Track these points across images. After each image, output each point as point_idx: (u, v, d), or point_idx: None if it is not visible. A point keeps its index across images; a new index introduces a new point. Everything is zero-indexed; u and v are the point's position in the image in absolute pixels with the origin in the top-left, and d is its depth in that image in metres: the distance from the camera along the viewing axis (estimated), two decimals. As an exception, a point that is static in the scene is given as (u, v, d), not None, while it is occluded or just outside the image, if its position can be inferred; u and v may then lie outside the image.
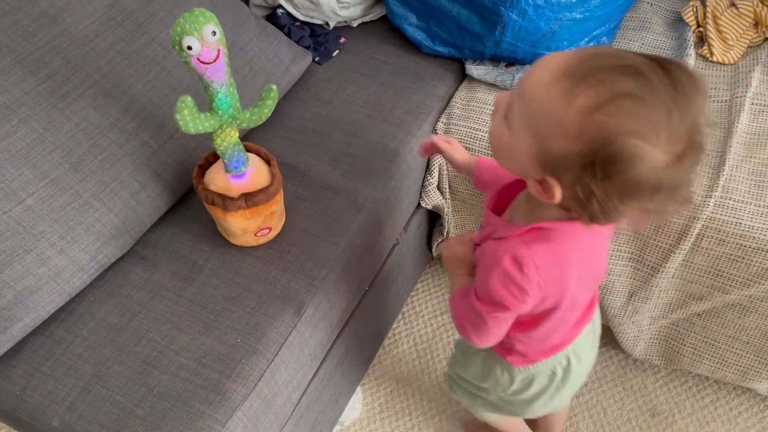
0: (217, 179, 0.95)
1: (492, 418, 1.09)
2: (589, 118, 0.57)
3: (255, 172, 0.96)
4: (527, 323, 0.80)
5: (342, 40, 1.36)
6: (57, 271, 0.92)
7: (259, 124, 0.91)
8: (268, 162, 0.99)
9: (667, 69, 0.57)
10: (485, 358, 0.93)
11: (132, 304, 0.96)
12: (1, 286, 0.87)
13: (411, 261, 1.37)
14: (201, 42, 0.77)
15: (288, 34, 1.31)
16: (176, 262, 1.01)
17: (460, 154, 0.97)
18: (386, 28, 1.38)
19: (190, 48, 0.77)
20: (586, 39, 1.21)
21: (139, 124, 1.01)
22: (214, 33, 0.78)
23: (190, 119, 0.82)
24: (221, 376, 0.88)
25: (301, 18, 1.33)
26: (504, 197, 0.81)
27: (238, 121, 0.88)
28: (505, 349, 0.87)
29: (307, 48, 1.32)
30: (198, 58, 0.78)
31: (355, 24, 1.39)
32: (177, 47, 0.77)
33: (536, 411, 0.97)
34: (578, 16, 1.14)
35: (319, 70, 1.32)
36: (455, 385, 1.08)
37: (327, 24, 1.36)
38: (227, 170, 0.94)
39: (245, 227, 0.97)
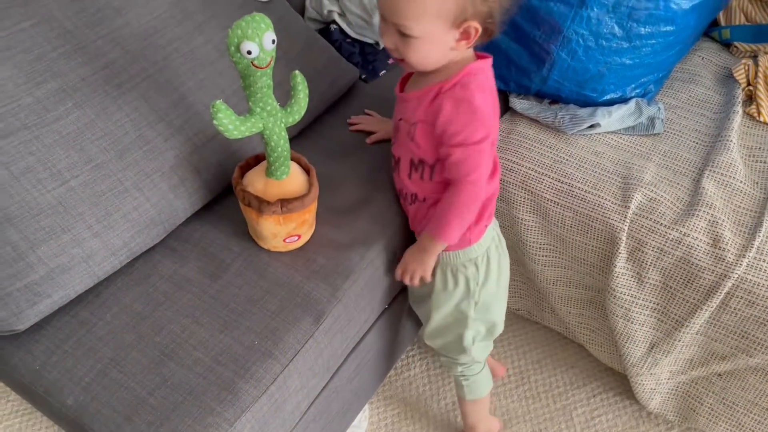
0: (255, 182, 0.97)
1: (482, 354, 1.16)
2: None
3: (293, 180, 0.97)
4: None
5: (390, 60, 1.38)
6: (90, 253, 0.94)
7: (302, 114, 0.93)
8: (307, 171, 1.01)
9: None
10: (442, 283, 1.05)
11: (157, 294, 0.98)
12: (35, 261, 0.90)
13: (433, 285, 1.37)
14: (260, 48, 0.79)
15: (338, 49, 1.33)
16: (204, 258, 1.03)
17: (386, 132, 1.18)
18: (435, 53, 1.40)
19: (249, 53, 0.79)
20: (633, 85, 1.21)
21: (186, 121, 1.04)
22: (273, 42, 0.80)
23: (228, 122, 0.84)
24: (235, 375, 0.89)
25: (353, 35, 1.36)
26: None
27: (279, 120, 0.90)
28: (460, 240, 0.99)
29: (355, 65, 1.34)
30: (253, 62, 0.81)
31: (405, 46, 1.41)
32: (233, 48, 0.80)
33: (502, 301, 1.12)
34: (628, 61, 1.15)
35: (364, 88, 1.34)
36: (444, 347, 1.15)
37: (377, 43, 1.38)
38: (268, 174, 0.96)
39: (276, 232, 0.99)
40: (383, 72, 1.36)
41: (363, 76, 1.35)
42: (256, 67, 0.81)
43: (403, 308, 1.26)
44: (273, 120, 0.89)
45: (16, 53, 0.93)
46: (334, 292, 0.99)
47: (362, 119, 1.24)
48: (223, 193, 1.11)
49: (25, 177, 0.90)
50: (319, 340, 0.97)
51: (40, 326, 0.94)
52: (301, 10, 1.41)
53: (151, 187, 0.99)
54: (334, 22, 1.35)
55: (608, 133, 1.21)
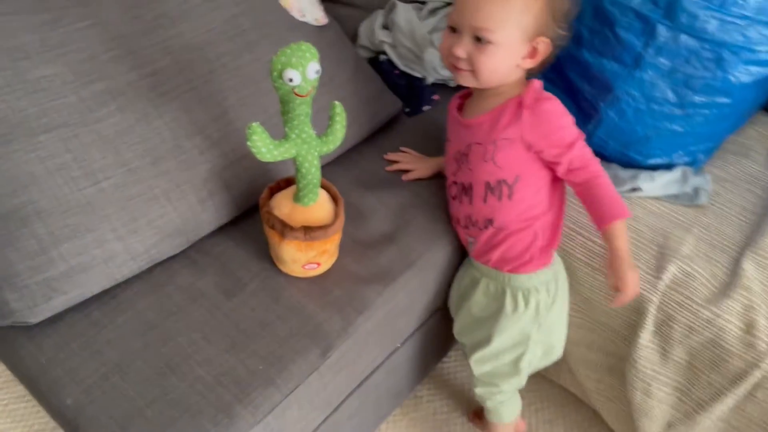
0: (282, 205, 0.96)
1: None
2: None
3: (320, 208, 0.96)
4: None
5: (435, 97, 1.37)
6: (111, 256, 0.94)
7: (337, 145, 0.92)
8: (335, 200, 1.00)
9: None
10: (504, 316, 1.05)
11: (170, 305, 0.98)
12: (56, 257, 0.91)
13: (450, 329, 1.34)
14: (302, 77, 0.79)
15: (385, 80, 1.33)
16: (222, 274, 1.02)
17: (424, 170, 1.19)
18: (481, 94, 1.39)
19: (291, 80, 0.79)
20: (681, 152, 1.17)
21: (224, 136, 1.04)
22: (317, 72, 0.80)
23: (262, 144, 0.84)
24: (234, 399, 0.88)
25: (402, 67, 1.36)
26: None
27: (313, 149, 0.89)
28: (528, 259, 1.02)
29: (400, 97, 1.34)
30: (294, 90, 0.80)
31: (452, 84, 1.40)
32: (275, 73, 0.80)
33: (564, 325, 1.13)
34: (678, 128, 1.11)
35: (406, 121, 1.34)
36: (488, 373, 1.14)
37: (425, 78, 1.38)
38: (296, 199, 0.95)
39: (296, 258, 0.98)
40: (427, 107, 1.35)
41: (406, 110, 1.34)
42: (297, 95, 0.81)
43: (415, 348, 1.23)
44: (307, 147, 0.89)
45: (69, 51, 0.95)
46: (346, 326, 0.98)
47: (399, 157, 1.23)
48: (250, 210, 1.11)
49: (59, 173, 0.91)
50: (323, 373, 0.95)
51: (52, 321, 0.94)
52: (354, 37, 1.41)
53: (179, 197, 1.00)
54: (384, 52, 1.35)
55: (649, 198, 1.18)
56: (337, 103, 0.92)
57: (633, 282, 0.96)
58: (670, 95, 1.07)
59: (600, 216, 0.97)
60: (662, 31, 1.02)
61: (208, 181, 1.02)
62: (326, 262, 1.02)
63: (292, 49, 0.79)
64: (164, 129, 0.99)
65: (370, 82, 1.27)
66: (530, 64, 0.96)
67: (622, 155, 1.17)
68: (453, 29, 0.95)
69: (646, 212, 1.16)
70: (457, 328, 1.17)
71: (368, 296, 1.01)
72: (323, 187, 1.00)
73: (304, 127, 0.87)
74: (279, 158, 0.87)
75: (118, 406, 0.87)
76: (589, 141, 1.15)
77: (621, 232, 0.96)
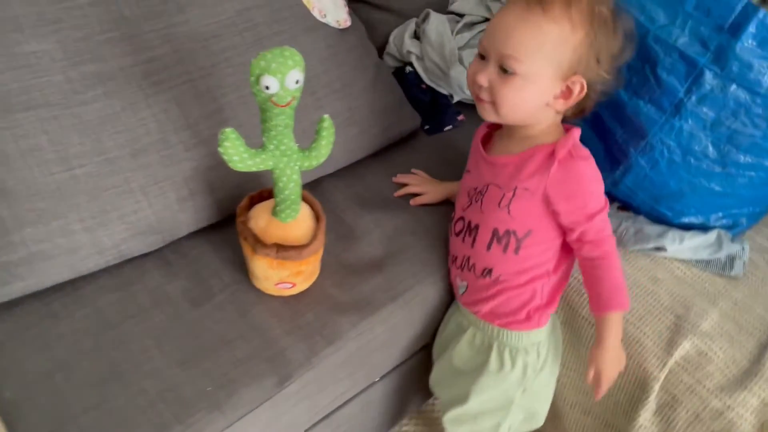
0: (260, 217, 0.90)
1: None
2: (569, 12, 0.78)
3: (298, 226, 0.89)
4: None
5: (461, 117, 1.27)
6: (75, 247, 0.90)
7: (320, 162, 0.85)
8: (318, 218, 0.92)
9: None
10: (496, 372, 0.94)
11: (133, 306, 0.92)
12: (18, 241, 0.87)
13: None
14: (281, 86, 0.72)
15: (408, 93, 1.24)
16: (193, 280, 0.96)
17: (435, 194, 1.10)
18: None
19: (268, 88, 0.72)
20: (720, 214, 1.04)
21: (215, 134, 0.97)
22: (297, 82, 0.72)
23: (234, 152, 0.77)
24: (174, 419, 0.81)
25: (428, 82, 1.27)
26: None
27: (294, 162, 0.82)
28: (524, 317, 0.92)
29: (422, 113, 1.25)
30: (272, 98, 0.73)
31: (481, 105, 1.30)
32: (253, 78, 0.73)
33: (550, 392, 1.03)
34: (717, 188, 0.98)
35: (424, 139, 1.25)
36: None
37: (451, 96, 1.28)
38: (274, 213, 0.88)
39: (268, 275, 0.91)
40: (449, 127, 1.26)
41: (426, 127, 1.25)
42: (274, 104, 0.74)
43: (396, 384, 1.14)
44: (286, 161, 0.82)
45: (63, 28, 0.91)
46: (310, 356, 0.90)
47: (409, 179, 1.13)
48: (232, 216, 1.04)
49: (32, 154, 0.87)
50: (278, 404, 0.88)
51: (9, 306, 0.90)
52: (384, 45, 1.33)
53: (157, 193, 0.94)
54: (411, 64, 1.26)
55: (676, 259, 1.05)
56: (326, 116, 0.84)
57: (608, 379, 0.87)
58: (711, 150, 0.94)
59: (597, 300, 0.88)
60: (709, 78, 0.89)
61: (191, 180, 0.96)
62: (302, 284, 0.95)
63: (274, 54, 0.72)
64: (151, 120, 0.94)
65: (389, 93, 1.19)
66: (562, 106, 0.84)
67: (651, 209, 1.05)
68: (482, 56, 0.84)
69: (669, 275, 1.03)
70: (434, 378, 1.07)
71: (341, 326, 0.94)
72: (307, 202, 0.93)
73: (283, 139, 0.79)
74: (254, 169, 0.80)
75: (54, 407, 0.82)
76: (616, 189, 1.05)
77: (614, 324, 0.86)
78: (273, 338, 0.91)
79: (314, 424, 1.00)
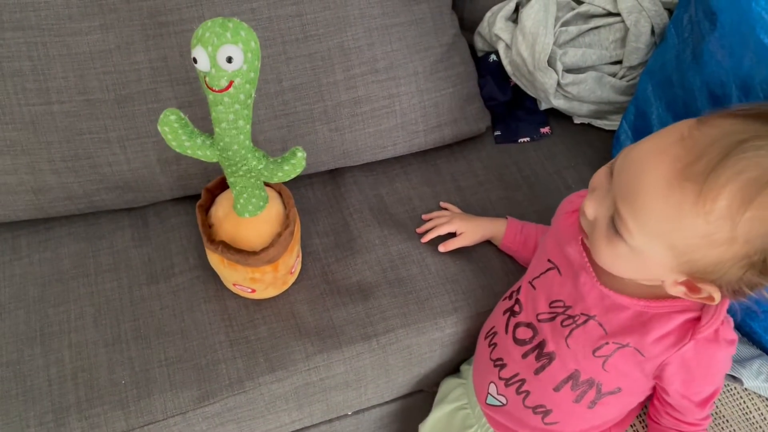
0: (222, 205, 0.76)
1: None
2: (740, 218, 0.48)
3: (257, 225, 0.74)
4: None
5: (545, 129, 1.02)
6: (42, 188, 0.83)
7: (272, 182, 0.69)
8: (286, 226, 0.76)
9: None
10: None
11: (90, 263, 0.85)
12: (-17, 167, 0.81)
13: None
14: (211, 62, 0.55)
15: (484, 86, 1.01)
16: (160, 252, 0.86)
17: (471, 236, 0.87)
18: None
19: (195, 61, 0.56)
20: None
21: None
22: (230, 60, 0.55)
23: (172, 138, 0.63)
24: (75, 405, 0.74)
25: (512, 78, 1.02)
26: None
27: (237, 167, 0.66)
28: None
29: (496, 114, 1.02)
30: (205, 78, 0.57)
31: (577, 121, 1.03)
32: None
33: None
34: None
35: (489, 147, 1.02)
36: None
37: (537, 101, 1.03)
38: (234, 205, 0.74)
39: (222, 273, 0.79)
40: (526, 139, 1.01)
41: (497, 133, 1.02)
42: (209, 87, 0.57)
43: (378, 422, 0.98)
44: (234, 167, 0.66)
45: (74, -57, 0.81)
46: (243, 379, 0.77)
47: (438, 217, 0.90)
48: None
49: (11, 79, 0.80)
50: (192, 422, 0.76)
51: (-18, 227, 0.87)
52: (479, 20, 1.08)
53: (137, 149, 0.84)
54: (496, 52, 1.01)
55: (757, 395, 0.76)
56: (298, 150, 0.66)
57: None
58: None
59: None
60: None
61: (178, 142, 0.84)
62: (263, 292, 0.81)
63: (215, 22, 0.55)
64: (145, 66, 0.82)
65: (450, 86, 0.95)
66: (683, 296, 0.57)
67: (742, 321, 0.76)
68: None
69: (737, 410, 0.75)
70: None
71: (292, 353, 0.79)
72: (283, 201, 0.77)
73: (231, 143, 0.63)
74: (193, 156, 0.66)
75: (-27, 352, 0.77)
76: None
77: None
78: (213, 344, 0.79)
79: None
